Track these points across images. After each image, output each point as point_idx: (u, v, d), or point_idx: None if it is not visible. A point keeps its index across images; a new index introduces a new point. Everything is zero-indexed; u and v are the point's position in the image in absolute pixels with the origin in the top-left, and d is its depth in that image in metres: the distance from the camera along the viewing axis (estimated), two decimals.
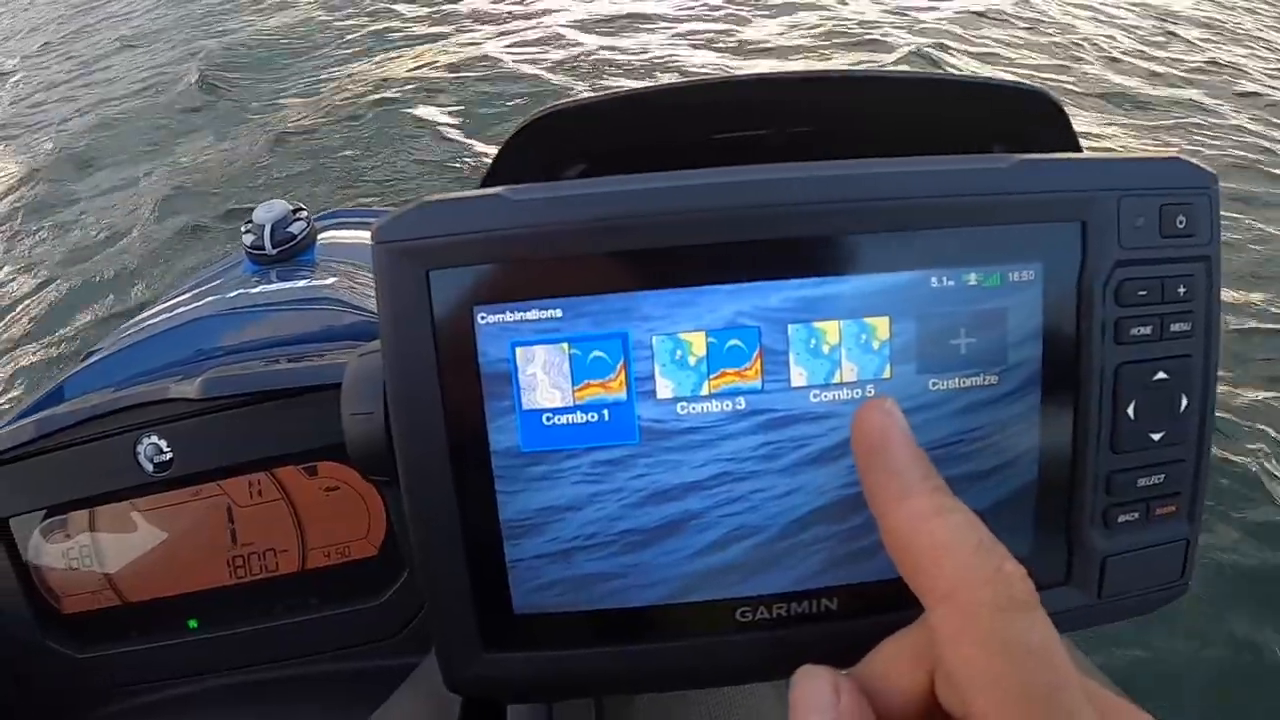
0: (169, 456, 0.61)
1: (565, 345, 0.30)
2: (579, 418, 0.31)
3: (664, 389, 0.31)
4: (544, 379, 0.30)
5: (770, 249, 0.30)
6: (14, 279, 3.06)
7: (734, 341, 0.30)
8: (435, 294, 0.30)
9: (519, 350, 0.30)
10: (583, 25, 4.58)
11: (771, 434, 0.31)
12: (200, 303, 0.80)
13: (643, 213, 0.30)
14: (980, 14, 4.49)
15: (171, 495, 0.63)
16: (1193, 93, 3.61)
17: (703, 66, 3.90)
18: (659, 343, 0.30)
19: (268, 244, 0.84)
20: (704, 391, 0.31)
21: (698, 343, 0.30)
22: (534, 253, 0.30)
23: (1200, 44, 4.17)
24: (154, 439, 0.61)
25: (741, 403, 0.31)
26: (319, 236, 0.88)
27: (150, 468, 0.62)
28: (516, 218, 0.30)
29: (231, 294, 0.79)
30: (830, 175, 0.30)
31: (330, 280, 0.79)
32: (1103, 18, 4.49)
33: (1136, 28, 4.32)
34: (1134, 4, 4.62)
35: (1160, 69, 3.84)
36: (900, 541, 0.24)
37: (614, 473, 0.31)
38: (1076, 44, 4.12)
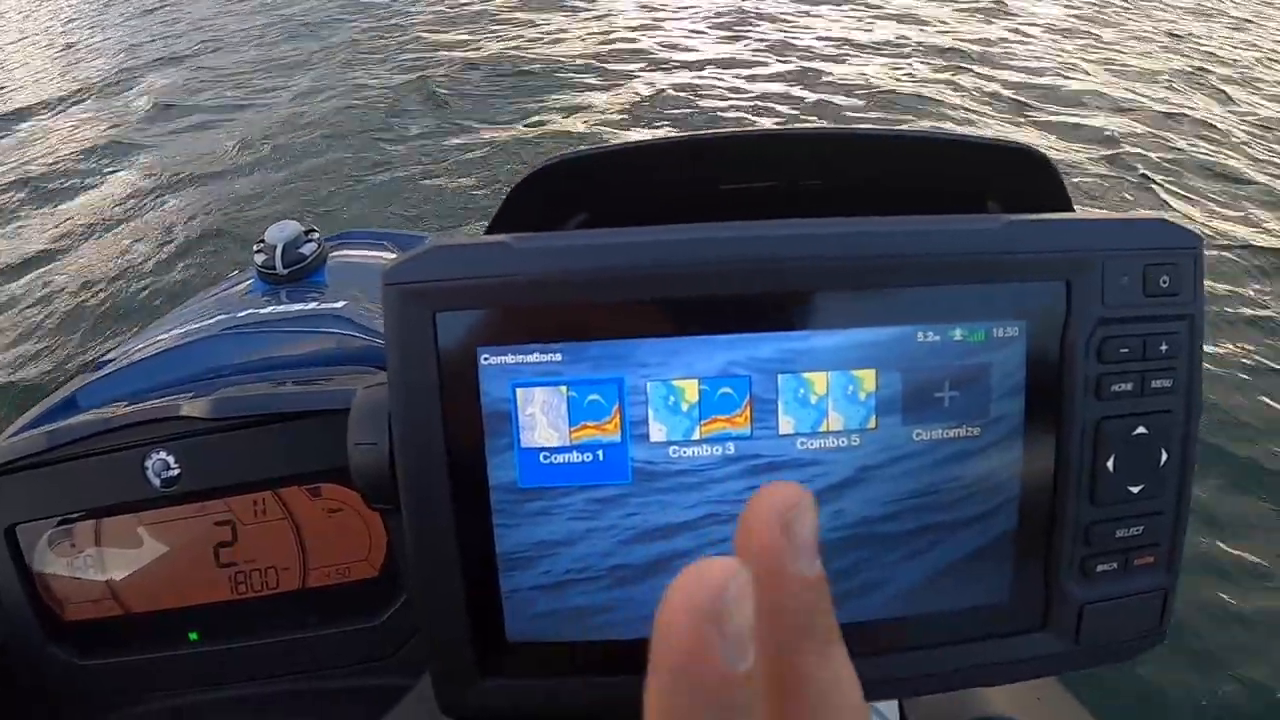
0: (176, 472, 0.62)
1: (564, 388, 0.31)
2: (575, 457, 0.32)
3: (657, 433, 0.32)
4: (542, 419, 0.32)
5: (763, 302, 0.31)
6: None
7: (725, 389, 0.32)
8: (441, 334, 0.31)
9: (519, 391, 0.31)
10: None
11: (759, 478, 0.32)
12: (211, 320, 0.81)
13: (641, 264, 0.31)
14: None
15: (177, 510, 0.64)
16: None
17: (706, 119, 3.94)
18: (653, 388, 0.31)
19: (279, 264, 0.84)
20: (695, 436, 0.32)
21: (690, 390, 0.31)
22: (536, 299, 0.31)
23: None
24: (162, 455, 0.62)
25: (731, 448, 0.32)
26: (329, 257, 0.89)
27: (157, 483, 0.63)
28: (520, 265, 0.31)
29: (242, 313, 0.80)
30: (823, 233, 0.32)
31: (339, 303, 0.80)
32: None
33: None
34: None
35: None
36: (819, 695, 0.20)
37: (607, 511, 0.32)
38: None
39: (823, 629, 0.20)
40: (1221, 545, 1.78)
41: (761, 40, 4.97)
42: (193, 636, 0.66)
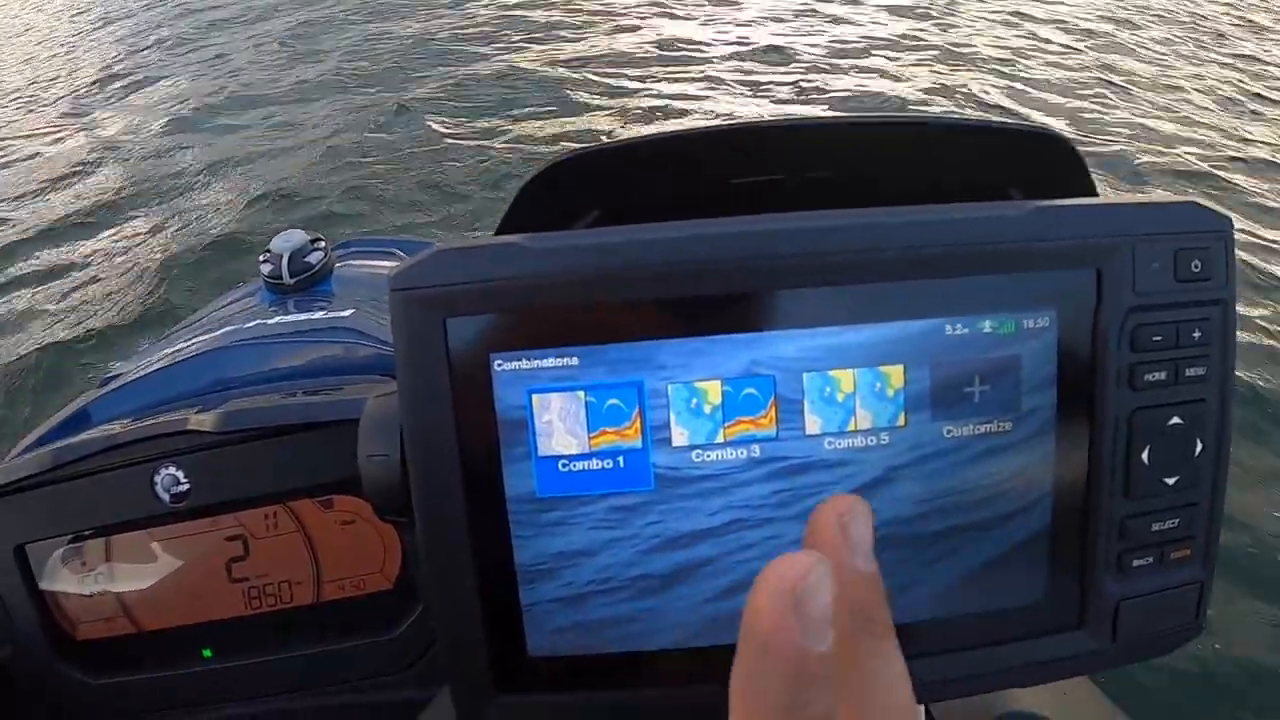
0: (186, 487, 0.62)
1: (581, 393, 0.30)
2: (594, 465, 0.31)
3: (679, 437, 0.31)
4: (560, 426, 0.31)
5: (786, 298, 0.30)
6: None
7: (749, 390, 0.31)
8: (452, 341, 0.30)
9: (535, 397, 0.30)
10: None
11: (785, 481, 0.31)
12: (218, 332, 0.80)
13: (658, 262, 0.30)
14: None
15: (188, 526, 0.63)
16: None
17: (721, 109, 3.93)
18: (674, 391, 0.30)
19: (285, 274, 0.84)
20: (719, 439, 0.31)
21: (713, 391, 0.30)
22: (550, 301, 0.30)
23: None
24: (171, 470, 0.62)
25: (756, 450, 0.31)
26: (336, 266, 0.89)
27: (167, 498, 0.62)
28: (532, 266, 0.30)
29: (249, 324, 0.79)
30: (846, 224, 0.31)
31: (347, 312, 0.79)
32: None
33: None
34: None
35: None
36: None
37: (629, 519, 0.31)
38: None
39: (878, 623, 0.22)
40: (1252, 537, 1.76)
41: (770, 37, 4.97)
42: (206, 653, 0.65)
